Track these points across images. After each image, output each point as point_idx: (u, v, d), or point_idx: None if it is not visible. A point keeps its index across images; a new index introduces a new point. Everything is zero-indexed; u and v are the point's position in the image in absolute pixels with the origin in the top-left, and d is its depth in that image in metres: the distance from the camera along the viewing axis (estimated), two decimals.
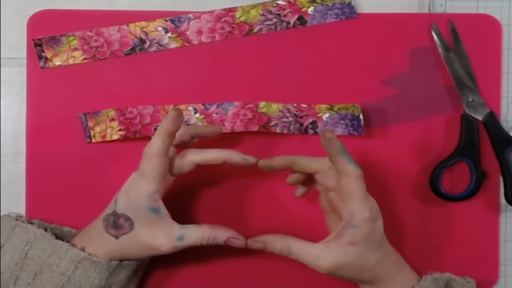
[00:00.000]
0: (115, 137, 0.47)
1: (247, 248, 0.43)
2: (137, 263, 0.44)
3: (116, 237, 0.41)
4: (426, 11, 0.51)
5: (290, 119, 0.48)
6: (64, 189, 0.48)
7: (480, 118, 0.48)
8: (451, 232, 0.49)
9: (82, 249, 0.41)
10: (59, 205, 0.48)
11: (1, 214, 0.46)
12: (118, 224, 0.41)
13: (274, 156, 0.44)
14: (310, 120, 0.48)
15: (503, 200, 0.49)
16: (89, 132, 0.48)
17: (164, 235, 0.41)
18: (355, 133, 0.48)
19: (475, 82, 0.49)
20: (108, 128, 0.47)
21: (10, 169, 0.49)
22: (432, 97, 0.49)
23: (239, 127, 0.48)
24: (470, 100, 0.49)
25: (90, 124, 0.47)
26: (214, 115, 0.48)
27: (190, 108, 0.48)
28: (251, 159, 0.43)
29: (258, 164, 0.43)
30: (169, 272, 0.49)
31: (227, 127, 0.48)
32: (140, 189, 0.41)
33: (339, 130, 0.48)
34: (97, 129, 0.48)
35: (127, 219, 0.41)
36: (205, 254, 0.49)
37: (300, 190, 0.46)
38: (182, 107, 0.48)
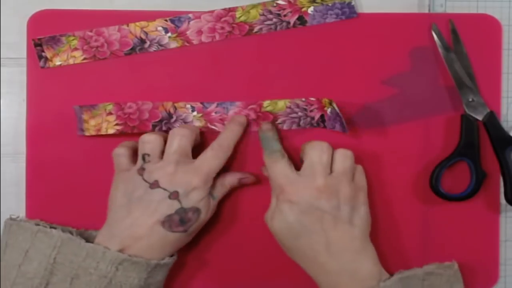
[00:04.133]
0: (110, 131, 0.47)
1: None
2: (170, 263, 0.43)
3: (186, 231, 0.42)
4: (426, 11, 0.51)
5: (300, 114, 0.48)
6: (64, 189, 0.48)
7: (480, 118, 0.48)
8: (451, 232, 0.49)
9: (120, 251, 0.41)
10: (59, 205, 0.48)
11: (1, 214, 0.46)
12: (186, 219, 0.42)
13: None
14: (319, 113, 0.48)
15: (503, 200, 0.49)
16: (82, 125, 0.47)
17: (212, 204, 0.44)
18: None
19: (475, 82, 0.49)
20: (104, 122, 0.47)
21: (10, 169, 0.49)
22: (432, 97, 0.49)
23: None
24: (470, 100, 0.49)
25: (85, 117, 0.47)
26: (213, 114, 0.48)
27: (188, 106, 0.48)
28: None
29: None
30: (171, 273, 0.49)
31: None
32: (205, 182, 0.43)
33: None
34: (92, 122, 0.47)
35: (196, 210, 0.42)
36: (206, 254, 0.49)
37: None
38: (180, 104, 0.48)
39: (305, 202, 0.42)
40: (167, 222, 0.41)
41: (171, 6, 0.50)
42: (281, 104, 0.48)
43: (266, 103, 0.48)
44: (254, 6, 0.49)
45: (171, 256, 0.43)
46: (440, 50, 0.49)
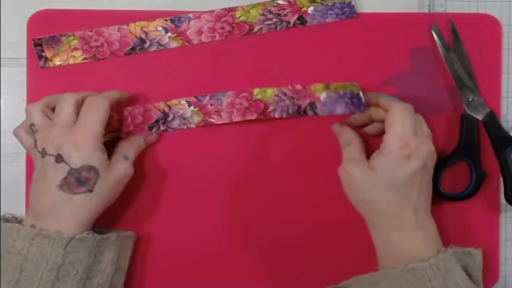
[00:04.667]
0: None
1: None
2: (94, 240, 0.42)
3: (91, 191, 0.41)
4: (426, 10, 0.50)
5: (287, 102, 0.48)
6: None
7: (480, 118, 0.48)
8: (451, 232, 0.49)
9: (46, 229, 0.40)
10: None
11: (1, 214, 0.46)
12: (83, 178, 0.41)
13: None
14: (308, 101, 0.48)
15: (503, 200, 0.49)
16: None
17: (119, 162, 0.44)
18: (357, 111, 0.47)
19: (475, 82, 0.49)
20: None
21: (10, 169, 0.49)
22: (432, 97, 0.49)
23: (236, 116, 0.48)
24: (470, 100, 0.48)
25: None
26: (208, 106, 0.48)
27: (183, 101, 0.48)
28: (128, 94, 0.48)
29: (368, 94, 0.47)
30: (168, 273, 0.49)
31: (225, 118, 0.48)
32: (89, 137, 0.42)
33: (340, 110, 0.47)
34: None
35: (90, 168, 0.41)
36: (206, 254, 0.49)
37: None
38: (174, 101, 0.48)
39: (423, 161, 0.42)
40: (65, 185, 0.41)
41: (171, 6, 0.49)
42: (270, 92, 0.48)
43: (256, 91, 0.48)
44: (254, 6, 0.49)
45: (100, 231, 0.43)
46: (440, 50, 0.49)
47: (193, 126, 0.48)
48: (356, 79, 0.49)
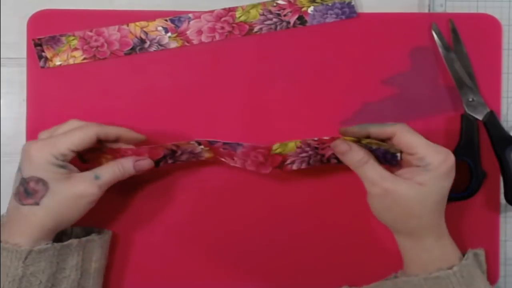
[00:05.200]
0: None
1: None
2: (55, 249, 0.41)
3: (37, 204, 0.40)
4: (426, 10, 0.50)
5: (310, 152, 0.45)
6: None
7: (480, 117, 0.48)
8: (451, 232, 0.49)
9: (5, 241, 0.40)
10: None
11: (1, 214, 0.45)
12: (30, 190, 0.40)
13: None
14: (331, 152, 0.44)
15: (503, 200, 0.49)
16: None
17: (82, 180, 0.41)
18: (388, 164, 0.44)
19: (475, 81, 0.49)
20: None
21: (10, 169, 0.49)
22: (432, 97, 0.49)
23: (250, 166, 0.45)
24: (470, 99, 0.48)
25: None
26: (221, 149, 0.44)
27: (193, 142, 0.44)
28: (141, 136, 0.45)
29: (339, 129, 0.45)
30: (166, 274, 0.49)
31: (238, 163, 0.45)
32: (45, 150, 0.40)
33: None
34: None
35: (38, 180, 0.40)
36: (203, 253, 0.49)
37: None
38: (182, 142, 0.44)
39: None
40: (17, 194, 0.41)
41: (171, 6, 0.49)
42: (291, 145, 0.44)
43: (275, 146, 0.43)
44: (254, 6, 0.49)
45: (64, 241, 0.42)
46: (440, 50, 0.49)
47: (203, 159, 0.46)
48: (356, 79, 0.49)
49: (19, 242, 0.40)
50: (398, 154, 0.43)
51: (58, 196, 0.40)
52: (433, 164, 0.41)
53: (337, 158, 0.45)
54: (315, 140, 0.43)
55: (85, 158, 0.44)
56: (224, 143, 0.43)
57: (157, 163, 0.45)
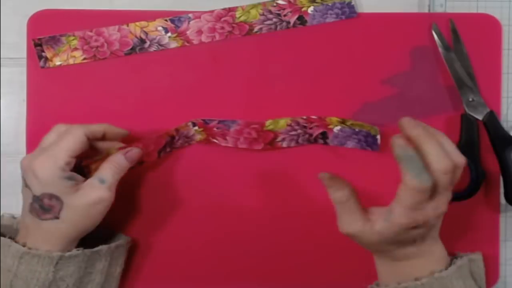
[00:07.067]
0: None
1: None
2: (85, 255, 0.42)
3: (57, 217, 0.41)
4: (426, 10, 0.50)
5: (299, 131, 0.48)
6: None
7: (480, 117, 0.48)
8: (451, 232, 0.49)
9: (24, 245, 0.41)
10: None
11: (1, 214, 0.46)
12: (46, 206, 0.40)
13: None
14: (320, 130, 0.48)
15: (503, 200, 0.49)
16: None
17: (92, 188, 0.41)
18: (369, 149, 0.48)
19: (475, 81, 0.49)
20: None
21: (10, 169, 0.49)
22: (432, 97, 0.49)
23: (242, 144, 0.47)
24: (470, 99, 0.48)
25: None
26: (214, 129, 0.47)
27: (189, 123, 0.47)
28: (123, 131, 0.45)
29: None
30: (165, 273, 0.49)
31: (229, 142, 0.47)
32: (49, 164, 0.40)
33: (351, 144, 0.48)
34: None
35: (51, 196, 0.40)
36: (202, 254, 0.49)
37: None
38: (181, 125, 0.47)
39: (429, 227, 0.42)
40: (33, 210, 0.41)
41: (171, 6, 0.49)
42: (282, 122, 0.48)
43: (268, 122, 0.47)
44: (254, 6, 0.49)
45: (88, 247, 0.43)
46: (440, 49, 0.49)
47: (194, 143, 0.48)
48: (356, 79, 0.49)
49: (50, 249, 0.41)
50: (378, 137, 0.46)
51: (75, 208, 0.41)
52: (394, 220, 0.39)
53: (323, 138, 0.47)
54: (303, 119, 0.47)
55: (91, 169, 0.44)
56: (219, 121, 0.46)
57: (159, 153, 0.46)
